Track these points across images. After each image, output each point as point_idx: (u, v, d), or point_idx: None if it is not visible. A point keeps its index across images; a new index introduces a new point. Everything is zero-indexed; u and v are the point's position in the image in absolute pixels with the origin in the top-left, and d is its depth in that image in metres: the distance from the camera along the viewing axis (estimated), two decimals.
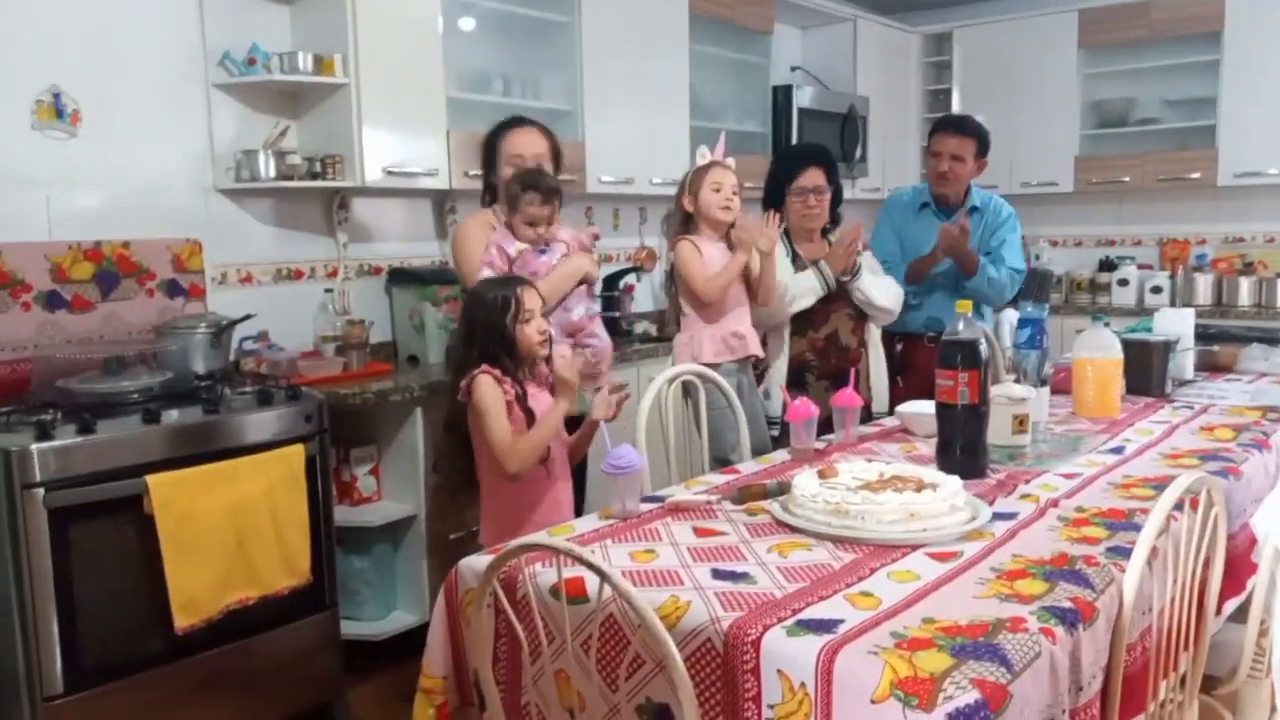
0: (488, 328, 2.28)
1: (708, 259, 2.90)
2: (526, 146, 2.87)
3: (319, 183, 3.22)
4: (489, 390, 2.23)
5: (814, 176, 3.11)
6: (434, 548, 3.14)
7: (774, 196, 3.18)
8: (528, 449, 2.23)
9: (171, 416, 2.47)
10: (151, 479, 2.32)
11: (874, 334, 3.22)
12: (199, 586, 2.39)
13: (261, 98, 3.26)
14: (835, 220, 3.25)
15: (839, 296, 3.09)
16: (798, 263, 3.13)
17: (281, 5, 3.31)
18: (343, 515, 2.99)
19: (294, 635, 2.66)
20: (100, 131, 2.92)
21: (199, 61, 3.12)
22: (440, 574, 3.06)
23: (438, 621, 1.74)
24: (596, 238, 2.98)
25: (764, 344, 3.05)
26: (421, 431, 3.10)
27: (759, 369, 3.08)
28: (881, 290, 3.12)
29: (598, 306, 2.97)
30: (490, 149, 2.94)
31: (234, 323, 2.95)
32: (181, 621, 2.36)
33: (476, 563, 1.68)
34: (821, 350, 3.11)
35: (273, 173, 3.14)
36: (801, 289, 3.04)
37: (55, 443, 2.23)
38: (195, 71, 3.12)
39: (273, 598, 2.56)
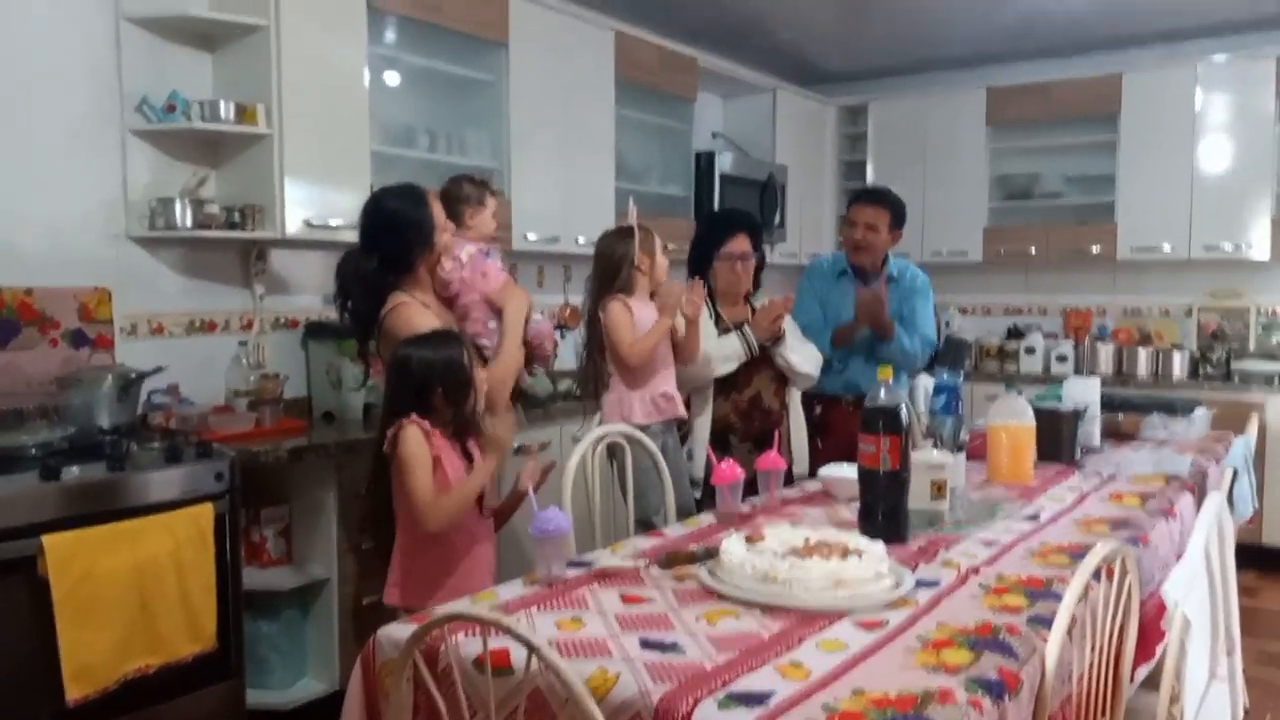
0: (447, 367, 2.22)
1: (639, 319, 2.89)
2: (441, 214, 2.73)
3: (237, 233, 3.15)
4: (415, 442, 2.17)
5: (743, 243, 3.17)
6: (346, 614, 3.04)
7: (701, 258, 3.22)
8: (449, 507, 2.17)
9: (72, 473, 2.36)
10: (47, 539, 2.20)
11: (795, 396, 3.26)
12: (95, 654, 2.27)
13: (180, 145, 3.18)
14: (757, 285, 3.30)
15: (762, 359, 3.13)
16: (720, 324, 3.16)
17: (203, 52, 3.25)
18: (251, 578, 2.87)
19: (196, 705, 2.53)
20: (5, 172, 2.81)
21: (115, 105, 3.04)
22: (352, 641, 2.97)
23: (354, 693, 1.67)
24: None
25: (687, 405, 3.05)
26: (335, 492, 3.01)
27: (682, 430, 3.09)
28: (803, 357, 3.17)
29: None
30: (418, 223, 2.64)
31: (143, 375, 2.84)
32: (74, 693, 2.23)
33: (396, 632, 1.63)
34: (745, 412, 3.13)
35: (189, 222, 3.06)
36: (726, 353, 3.07)
37: None
38: (110, 115, 3.04)
39: (175, 665, 2.44)
